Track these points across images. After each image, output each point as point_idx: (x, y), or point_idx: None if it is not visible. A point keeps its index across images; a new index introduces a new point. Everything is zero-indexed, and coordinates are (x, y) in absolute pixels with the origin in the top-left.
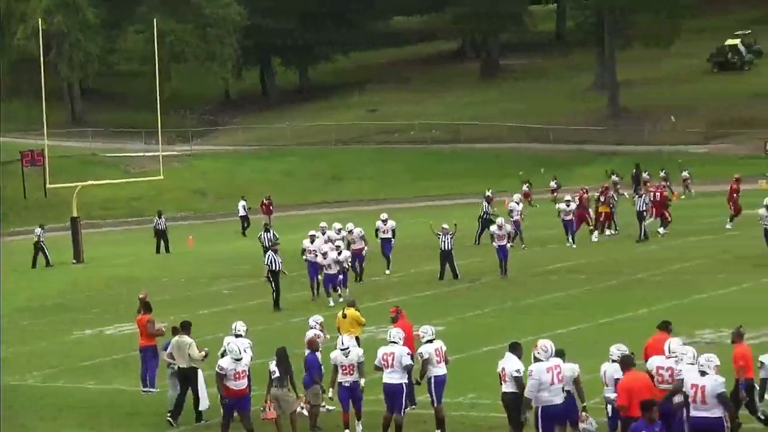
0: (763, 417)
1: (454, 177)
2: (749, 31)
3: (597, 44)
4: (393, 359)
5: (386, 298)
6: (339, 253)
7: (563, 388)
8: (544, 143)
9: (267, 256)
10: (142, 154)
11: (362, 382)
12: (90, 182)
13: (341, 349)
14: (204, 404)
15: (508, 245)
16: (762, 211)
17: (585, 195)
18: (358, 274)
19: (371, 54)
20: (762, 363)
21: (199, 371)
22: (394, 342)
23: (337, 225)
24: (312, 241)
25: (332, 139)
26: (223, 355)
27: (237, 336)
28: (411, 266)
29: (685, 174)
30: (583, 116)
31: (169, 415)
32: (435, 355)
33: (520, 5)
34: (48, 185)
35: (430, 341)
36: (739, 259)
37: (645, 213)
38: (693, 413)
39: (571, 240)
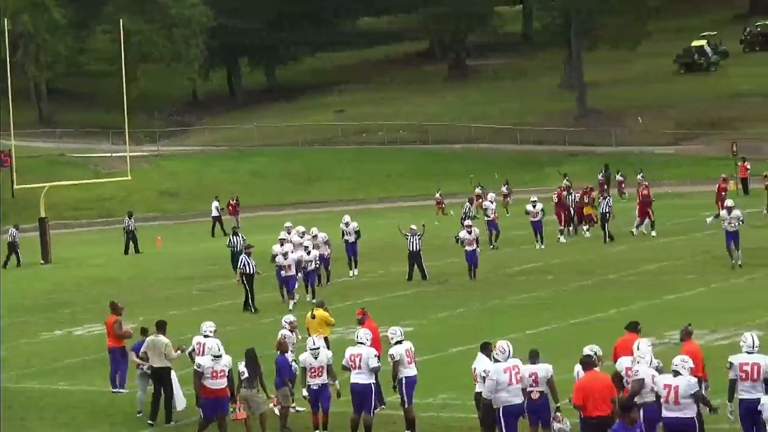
0: (732, 417)
1: (422, 178)
2: (715, 32)
3: (564, 45)
4: (360, 360)
5: (356, 299)
6: (308, 253)
7: (525, 389)
8: (512, 144)
9: (240, 259)
10: (109, 154)
11: (338, 384)
12: (57, 183)
13: (311, 349)
14: (181, 404)
15: (478, 250)
16: (723, 213)
17: (563, 193)
18: (324, 277)
19: (339, 55)
20: (731, 363)
21: (173, 372)
22: (362, 343)
23: (301, 228)
24: (282, 245)
25: (300, 140)
26: (191, 355)
27: (205, 337)
28: (380, 267)
29: (620, 177)
30: (551, 117)
31: (139, 414)
32: (405, 356)
33: (486, 6)
34: (15, 186)
35: (400, 342)
36: (709, 260)
37: (608, 215)
38: (665, 414)
39: (539, 241)
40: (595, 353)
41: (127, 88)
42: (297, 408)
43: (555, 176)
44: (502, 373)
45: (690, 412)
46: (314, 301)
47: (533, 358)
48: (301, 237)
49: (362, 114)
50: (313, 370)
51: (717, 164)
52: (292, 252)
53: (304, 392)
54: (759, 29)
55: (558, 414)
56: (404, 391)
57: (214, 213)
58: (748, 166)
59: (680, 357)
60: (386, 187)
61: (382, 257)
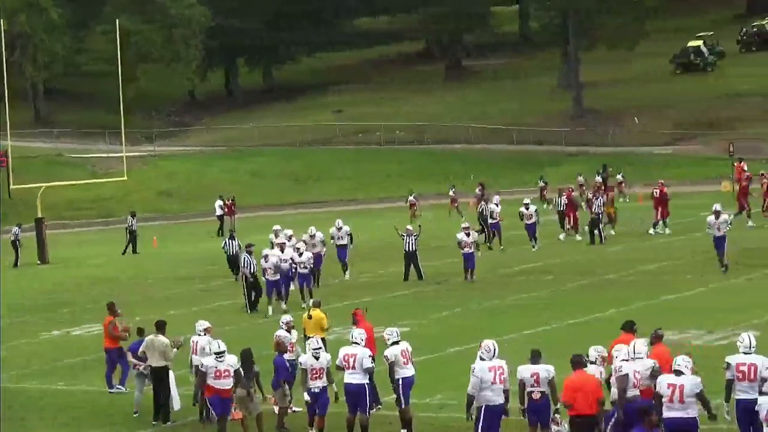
0: (729, 418)
1: (421, 178)
2: (712, 32)
3: (562, 45)
4: (354, 360)
5: (354, 299)
6: (300, 255)
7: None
8: (510, 144)
9: (242, 258)
10: (106, 155)
11: (335, 386)
12: (54, 183)
13: (313, 349)
14: (177, 404)
15: (478, 254)
16: (711, 218)
17: (572, 194)
18: (315, 278)
19: (337, 55)
20: (728, 364)
21: (171, 371)
22: (356, 343)
23: (288, 231)
24: (282, 250)
25: (299, 140)
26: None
27: (198, 335)
28: (379, 267)
29: (619, 177)
30: (548, 117)
31: (135, 414)
32: (402, 357)
33: (484, 6)
34: (12, 186)
35: (396, 343)
36: (707, 260)
37: (601, 216)
38: (667, 414)
39: (534, 243)
40: (599, 354)
41: (125, 88)
42: (294, 408)
43: (555, 176)
44: (487, 372)
45: (693, 412)
46: (311, 301)
47: (535, 358)
48: (288, 240)
49: (361, 114)
50: (314, 372)
51: (715, 164)
52: (272, 256)
53: (306, 396)
54: (756, 29)
55: (557, 416)
56: (401, 392)
57: (218, 212)
58: (745, 167)
59: (681, 357)
60: (385, 187)
61: (381, 257)
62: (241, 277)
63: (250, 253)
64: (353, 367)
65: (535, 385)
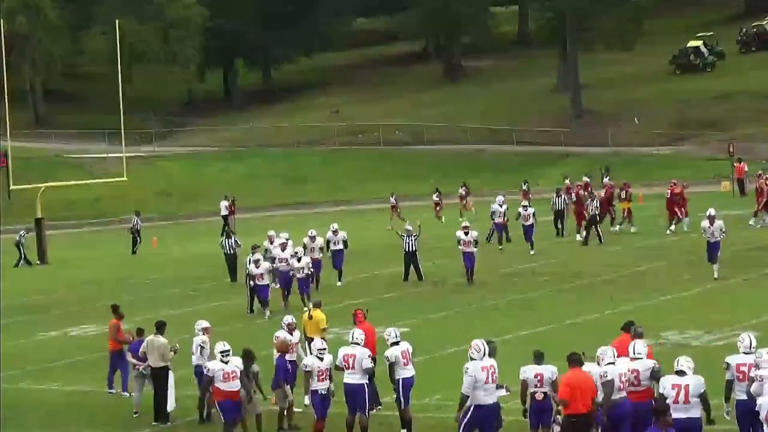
0: (728, 417)
1: (419, 178)
2: (711, 33)
3: (560, 46)
4: (354, 361)
5: (352, 299)
6: (298, 260)
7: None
8: (507, 144)
9: (247, 259)
10: (105, 155)
11: (332, 386)
12: (53, 183)
13: (318, 350)
14: (170, 405)
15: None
16: (705, 223)
17: (580, 192)
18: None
19: (335, 55)
20: (728, 364)
21: (170, 372)
22: (356, 343)
23: (285, 234)
24: (283, 249)
25: (296, 141)
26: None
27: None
28: (377, 267)
29: (586, 179)
30: (546, 118)
31: (135, 415)
32: (402, 357)
33: (481, 7)
34: (11, 186)
35: (396, 343)
36: (704, 261)
37: (598, 216)
38: (672, 414)
39: (531, 247)
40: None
41: (122, 89)
42: (295, 409)
43: (555, 177)
44: (480, 371)
45: (696, 412)
46: (311, 303)
47: (538, 359)
48: (285, 242)
49: (358, 115)
50: (320, 374)
51: (713, 165)
52: (264, 260)
53: (307, 400)
54: (755, 30)
55: (558, 417)
56: (401, 392)
57: (223, 212)
58: (746, 168)
59: (684, 357)
60: (382, 188)
61: (380, 257)
62: (246, 279)
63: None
64: (353, 368)
65: (539, 385)
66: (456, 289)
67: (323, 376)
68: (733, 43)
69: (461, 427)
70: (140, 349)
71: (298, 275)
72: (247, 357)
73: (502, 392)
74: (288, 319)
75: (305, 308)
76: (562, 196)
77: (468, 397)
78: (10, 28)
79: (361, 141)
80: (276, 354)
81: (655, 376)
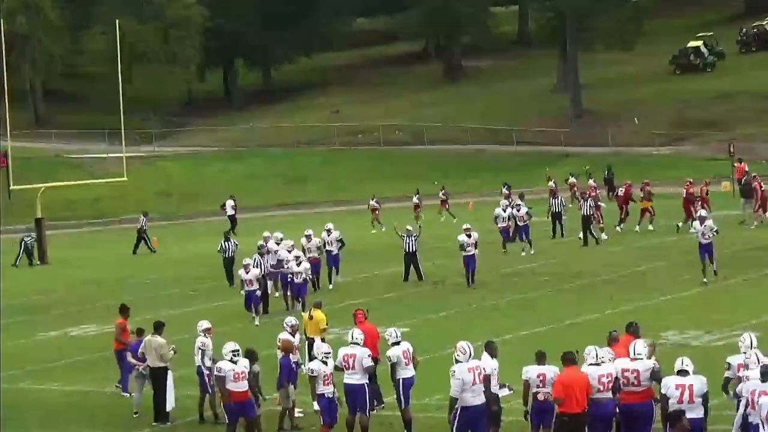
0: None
1: (418, 179)
2: (711, 33)
3: (560, 46)
4: (354, 361)
5: (351, 299)
6: (299, 264)
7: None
8: (507, 145)
9: (254, 259)
10: (105, 155)
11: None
12: (53, 183)
13: (325, 353)
14: (170, 405)
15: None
16: (696, 224)
17: (594, 192)
18: (314, 284)
19: (335, 55)
20: (729, 364)
21: (169, 372)
22: (356, 343)
23: (279, 235)
24: (291, 251)
25: (296, 141)
26: (202, 356)
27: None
28: (376, 267)
29: (572, 180)
30: (546, 118)
31: (135, 415)
32: (403, 357)
33: (481, 7)
34: (12, 187)
35: (396, 343)
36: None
37: (592, 217)
38: None
39: (529, 245)
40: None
41: (122, 89)
42: (297, 411)
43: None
44: (467, 373)
45: (700, 413)
46: (307, 306)
47: (540, 359)
48: (278, 243)
49: (358, 115)
50: (326, 378)
51: (713, 165)
52: (256, 267)
53: (316, 405)
54: (755, 30)
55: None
56: (401, 392)
57: (230, 212)
58: (747, 168)
59: (685, 358)
60: (382, 188)
61: (380, 257)
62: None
63: (261, 255)
64: (353, 368)
65: (541, 385)
66: (456, 289)
67: (328, 381)
68: (733, 43)
69: (453, 430)
70: (139, 350)
71: (296, 279)
72: (249, 357)
73: (505, 392)
74: (291, 320)
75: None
76: (559, 197)
77: (457, 399)
78: (10, 28)
79: (361, 141)
80: (280, 354)
81: (656, 376)
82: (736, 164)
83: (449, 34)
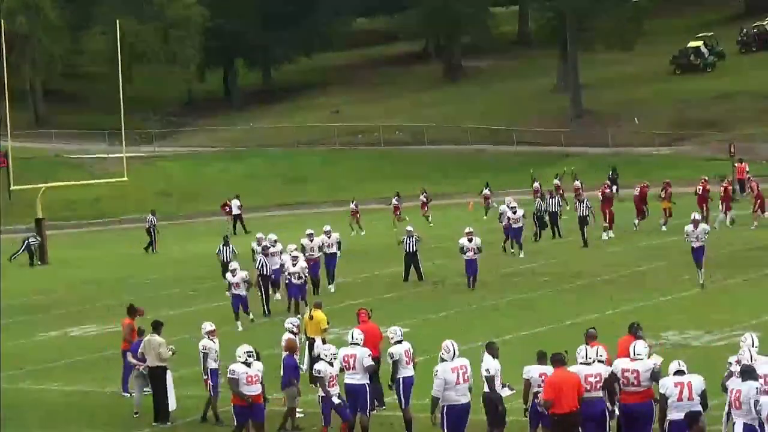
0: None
1: (419, 179)
2: (711, 33)
3: (560, 46)
4: (354, 361)
5: (352, 299)
6: (294, 265)
7: (466, 386)
8: (507, 145)
9: (258, 260)
10: (105, 155)
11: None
12: (54, 184)
13: (332, 354)
14: (172, 405)
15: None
16: (689, 227)
17: (606, 190)
18: (315, 285)
19: (335, 55)
20: (730, 364)
21: (168, 372)
22: (356, 343)
23: (273, 236)
24: (297, 256)
25: (296, 141)
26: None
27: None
28: (376, 267)
29: (556, 182)
30: (546, 118)
31: (136, 415)
32: (405, 357)
33: (481, 7)
34: (12, 187)
35: (399, 342)
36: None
37: (588, 218)
38: (676, 414)
39: (520, 249)
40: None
41: (123, 89)
42: (299, 410)
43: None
44: (450, 372)
45: (699, 410)
46: (307, 306)
47: (541, 359)
48: (273, 245)
49: (358, 115)
50: (332, 379)
51: (713, 165)
52: (241, 270)
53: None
54: (755, 30)
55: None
56: (402, 392)
57: (235, 211)
58: (747, 168)
59: (679, 360)
60: (382, 187)
61: (380, 257)
62: (257, 280)
63: (266, 255)
64: (353, 368)
65: (543, 385)
66: (456, 289)
67: (334, 382)
68: (733, 43)
69: (444, 430)
70: (139, 350)
71: (294, 280)
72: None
73: (507, 392)
74: (294, 321)
75: (300, 315)
76: (556, 198)
77: (438, 399)
78: (10, 28)
79: (361, 141)
80: (284, 353)
81: (656, 377)
82: (736, 164)
83: (449, 34)
